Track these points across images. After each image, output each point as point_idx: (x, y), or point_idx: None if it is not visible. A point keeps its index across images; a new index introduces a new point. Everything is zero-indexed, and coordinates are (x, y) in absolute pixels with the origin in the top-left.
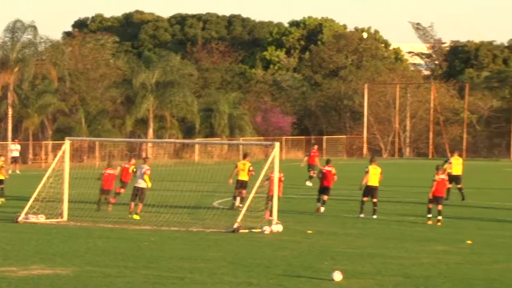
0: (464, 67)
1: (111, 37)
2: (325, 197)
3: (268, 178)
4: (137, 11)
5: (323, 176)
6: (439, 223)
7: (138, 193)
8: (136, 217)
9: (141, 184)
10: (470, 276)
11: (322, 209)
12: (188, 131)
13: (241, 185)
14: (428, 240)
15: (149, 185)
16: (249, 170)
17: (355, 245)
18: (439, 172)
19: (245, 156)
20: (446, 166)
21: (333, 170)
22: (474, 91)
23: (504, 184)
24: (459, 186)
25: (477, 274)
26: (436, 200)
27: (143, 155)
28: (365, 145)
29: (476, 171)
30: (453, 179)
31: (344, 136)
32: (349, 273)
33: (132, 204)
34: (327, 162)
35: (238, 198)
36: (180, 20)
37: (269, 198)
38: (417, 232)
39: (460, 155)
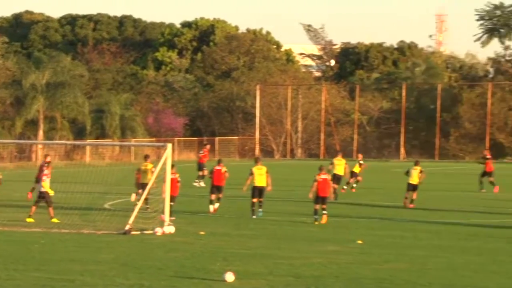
0: (354, 69)
1: (0, 37)
2: (220, 195)
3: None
4: (26, 11)
5: (214, 175)
6: (323, 221)
7: (43, 198)
8: (54, 220)
9: (43, 188)
10: (360, 276)
11: (217, 205)
12: (79, 132)
13: (144, 187)
14: (319, 240)
15: (50, 192)
16: (151, 172)
17: (247, 246)
18: (321, 173)
19: (146, 157)
20: (329, 166)
21: (223, 169)
22: (364, 93)
23: (393, 184)
24: (336, 186)
25: (367, 273)
26: (320, 200)
27: (33, 157)
28: (257, 146)
29: (366, 172)
30: (335, 179)
31: (237, 137)
32: (241, 274)
33: (33, 208)
34: (219, 162)
35: (133, 195)
36: (71, 20)
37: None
38: (309, 232)
39: (343, 157)
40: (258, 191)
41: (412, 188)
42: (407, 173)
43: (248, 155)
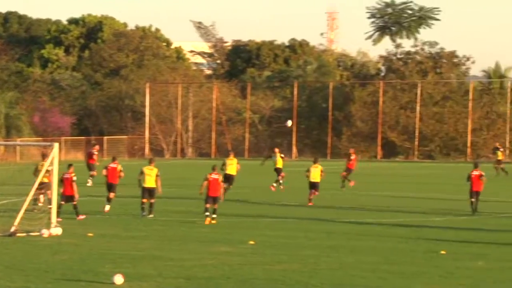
0: (246, 67)
1: None
2: (112, 195)
3: (62, 180)
4: None
5: (108, 172)
6: (213, 221)
7: None
8: None
9: None
10: (252, 277)
11: (107, 207)
12: None
13: (43, 186)
14: (211, 241)
15: None
16: (47, 171)
17: (137, 247)
18: (213, 172)
19: (43, 156)
20: (223, 167)
21: (119, 167)
22: (256, 91)
23: (286, 183)
24: (230, 185)
25: (259, 274)
26: (211, 200)
27: None
28: (147, 146)
29: (258, 172)
30: (227, 178)
31: (126, 137)
32: (131, 276)
33: None
34: (113, 159)
35: (40, 197)
36: None
37: (62, 199)
38: (200, 233)
39: (235, 156)
40: (147, 192)
41: (314, 186)
42: (307, 172)
43: (138, 155)
